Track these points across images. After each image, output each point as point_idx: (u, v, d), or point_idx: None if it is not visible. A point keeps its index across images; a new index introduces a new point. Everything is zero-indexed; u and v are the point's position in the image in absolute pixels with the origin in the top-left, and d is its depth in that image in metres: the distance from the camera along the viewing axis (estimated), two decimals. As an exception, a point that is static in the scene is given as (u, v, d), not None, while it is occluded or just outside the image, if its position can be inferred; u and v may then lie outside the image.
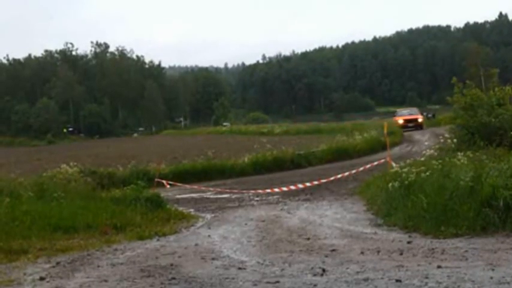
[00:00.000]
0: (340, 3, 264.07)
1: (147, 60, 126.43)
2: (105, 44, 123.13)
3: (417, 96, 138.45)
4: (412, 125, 38.72)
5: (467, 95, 15.67)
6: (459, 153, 11.40)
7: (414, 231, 8.16)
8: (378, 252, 6.80)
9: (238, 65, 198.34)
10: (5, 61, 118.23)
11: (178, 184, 17.54)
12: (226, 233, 9.44)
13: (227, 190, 16.45)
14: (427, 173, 9.80)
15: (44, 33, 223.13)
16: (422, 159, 12.57)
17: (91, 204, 11.71)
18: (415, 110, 45.61)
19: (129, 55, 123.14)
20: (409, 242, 7.33)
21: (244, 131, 59.21)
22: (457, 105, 16.12)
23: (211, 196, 15.95)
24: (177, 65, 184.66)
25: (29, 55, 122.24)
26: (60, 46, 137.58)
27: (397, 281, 5.17)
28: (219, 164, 21.70)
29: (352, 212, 11.08)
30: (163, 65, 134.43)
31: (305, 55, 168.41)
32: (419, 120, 40.33)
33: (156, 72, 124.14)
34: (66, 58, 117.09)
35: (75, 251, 8.18)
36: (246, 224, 10.28)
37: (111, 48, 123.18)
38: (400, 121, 38.96)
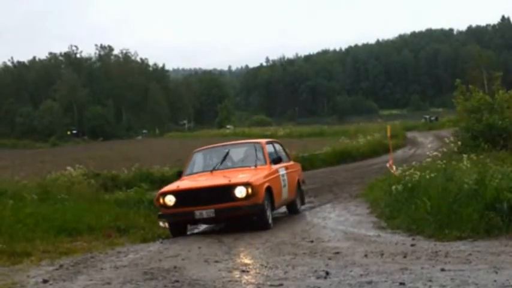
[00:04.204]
0: (343, 6, 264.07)
1: (151, 63, 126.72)
2: (109, 46, 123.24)
3: (420, 99, 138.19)
4: None
5: (474, 97, 15.65)
6: (464, 155, 11.37)
7: (418, 234, 8.14)
8: (382, 255, 6.78)
9: (241, 67, 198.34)
10: (9, 64, 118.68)
11: None
12: (228, 235, 9.42)
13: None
14: (432, 175, 9.78)
15: (49, 36, 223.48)
16: (428, 159, 12.53)
17: (94, 207, 11.73)
18: None
19: (133, 58, 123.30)
20: (412, 245, 7.31)
21: (248, 133, 59.20)
22: (462, 107, 16.10)
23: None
24: (180, 68, 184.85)
25: (34, 58, 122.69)
26: (64, 49, 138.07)
27: (400, 284, 5.16)
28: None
29: (356, 214, 11.06)
30: (167, 67, 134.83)
31: (308, 58, 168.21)
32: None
33: (160, 74, 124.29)
34: (70, 61, 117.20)
35: (79, 253, 8.19)
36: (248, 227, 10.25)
37: (115, 51, 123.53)
38: None
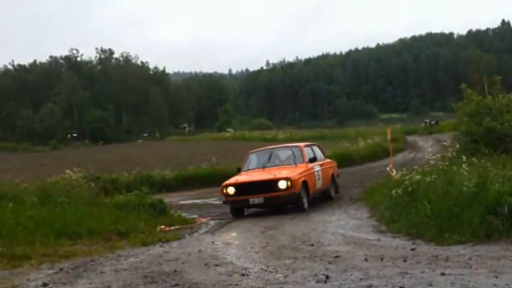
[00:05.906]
0: (343, 10, 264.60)
1: (151, 66, 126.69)
2: (110, 50, 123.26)
3: (420, 103, 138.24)
4: None
5: (474, 101, 15.66)
6: (463, 157, 11.35)
7: (418, 238, 8.13)
8: (382, 259, 6.78)
9: (242, 71, 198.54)
10: (10, 67, 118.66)
11: None
12: (229, 240, 9.43)
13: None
14: (432, 178, 9.77)
15: (49, 39, 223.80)
16: (430, 162, 12.50)
17: (95, 210, 11.73)
18: None
19: (133, 61, 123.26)
20: (412, 249, 7.31)
21: (248, 137, 59.20)
22: (462, 111, 16.10)
23: (215, 202, 15.94)
24: (181, 71, 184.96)
25: (34, 61, 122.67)
26: (65, 52, 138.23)
27: (400, 288, 5.16)
28: (223, 169, 21.67)
29: (356, 218, 11.06)
30: (167, 70, 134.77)
31: (309, 61, 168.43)
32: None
33: (160, 77, 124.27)
34: (71, 64, 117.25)
35: (79, 257, 8.18)
36: (249, 230, 10.27)
37: (116, 54, 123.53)
38: None
